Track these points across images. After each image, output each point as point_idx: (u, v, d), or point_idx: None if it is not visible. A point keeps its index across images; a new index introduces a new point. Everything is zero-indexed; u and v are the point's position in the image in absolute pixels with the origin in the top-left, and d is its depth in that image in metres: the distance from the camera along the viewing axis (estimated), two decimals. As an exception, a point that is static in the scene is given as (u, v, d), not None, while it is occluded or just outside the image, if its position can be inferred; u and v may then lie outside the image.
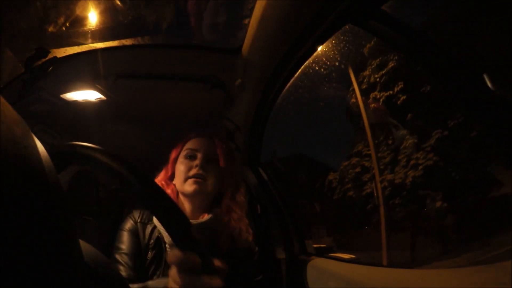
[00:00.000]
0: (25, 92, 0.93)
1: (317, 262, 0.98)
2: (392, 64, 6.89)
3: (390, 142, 6.92)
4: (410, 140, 6.55)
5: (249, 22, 0.75)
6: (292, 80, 0.91)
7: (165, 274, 0.75)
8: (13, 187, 0.17)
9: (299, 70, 0.86)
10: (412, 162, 6.36)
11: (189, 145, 0.89)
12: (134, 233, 0.81)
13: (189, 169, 0.83)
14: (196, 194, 0.81)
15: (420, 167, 6.19)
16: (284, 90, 0.97)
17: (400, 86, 6.75)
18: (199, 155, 0.85)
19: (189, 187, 0.81)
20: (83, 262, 0.22)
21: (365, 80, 7.23)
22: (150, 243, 0.79)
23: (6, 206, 0.16)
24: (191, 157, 0.86)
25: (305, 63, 0.83)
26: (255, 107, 1.04)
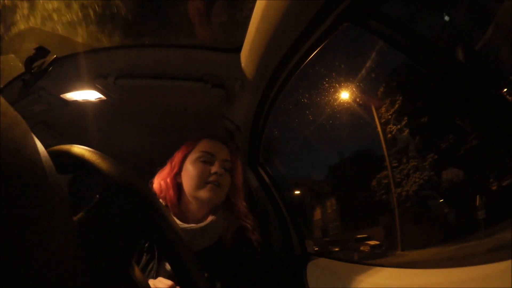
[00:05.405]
0: (25, 92, 0.93)
1: (317, 262, 0.98)
2: (398, 104, 9.80)
3: (404, 160, 9.48)
4: (412, 162, 9.13)
5: (249, 22, 0.75)
6: (292, 80, 0.91)
7: (159, 266, 0.74)
8: (13, 186, 0.17)
9: (299, 70, 0.86)
10: (412, 179, 9.04)
11: (204, 147, 0.86)
12: None
13: (206, 174, 0.81)
14: (210, 201, 0.81)
15: (416, 183, 8.85)
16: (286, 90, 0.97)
17: (405, 121, 9.58)
18: (216, 162, 0.83)
19: (205, 193, 0.79)
20: (84, 262, 0.22)
21: (382, 116, 10.30)
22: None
23: (6, 206, 0.16)
24: (206, 161, 0.83)
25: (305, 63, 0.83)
26: (255, 107, 1.04)
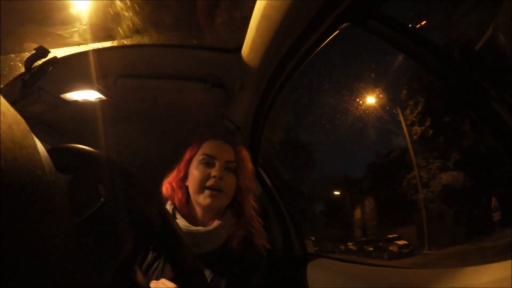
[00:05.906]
0: (25, 92, 0.93)
1: (317, 262, 0.98)
2: (421, 105, 9.43)
3: (430, 160, 9.21)
4: (437, 163, 8.96)
5: (249, 22, 0.75)
6: (292, 80, 0.91)
7: (165, 266, 0.74)
8: (13, 186, 0.17)
9: (299, 70, 0.86)
10: (436, 180, 8.89)
11: (206, 149, 0.83)
12: None
13: (206, 178, 0.78)
14: (210, 208, 0.78)
15: (441, 184, 8.70)
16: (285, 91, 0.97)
17: (428, 122, 9.33)
18: (217, 164, 0.80)
19: (204, 199, 0.77)
20: (85, 263, 0.22)
21: (408, 118, 10.08)
22: None
23: (6, 206, 0.16)
24: (208, 164, 0.80)
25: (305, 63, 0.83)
26: (255, 107, 1.04)
